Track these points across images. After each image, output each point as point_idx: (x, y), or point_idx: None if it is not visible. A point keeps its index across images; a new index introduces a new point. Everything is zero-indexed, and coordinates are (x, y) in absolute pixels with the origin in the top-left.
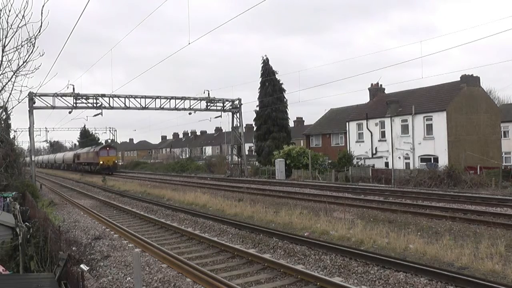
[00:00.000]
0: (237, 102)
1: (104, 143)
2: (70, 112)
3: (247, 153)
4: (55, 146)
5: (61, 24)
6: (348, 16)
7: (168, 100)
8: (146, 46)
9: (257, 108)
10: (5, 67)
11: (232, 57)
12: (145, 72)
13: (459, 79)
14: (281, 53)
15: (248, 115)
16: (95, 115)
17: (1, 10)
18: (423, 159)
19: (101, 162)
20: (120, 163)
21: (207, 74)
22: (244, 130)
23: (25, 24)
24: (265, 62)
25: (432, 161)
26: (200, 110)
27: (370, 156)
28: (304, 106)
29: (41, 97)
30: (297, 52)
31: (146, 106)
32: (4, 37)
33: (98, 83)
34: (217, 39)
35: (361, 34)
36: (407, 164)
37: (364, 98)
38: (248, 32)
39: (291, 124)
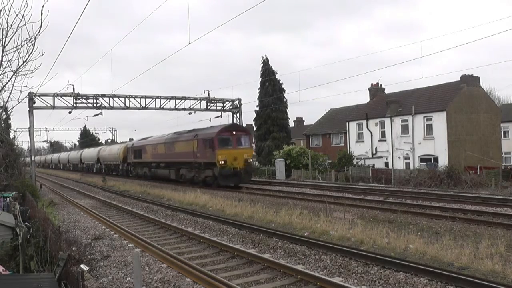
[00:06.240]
0: (237, 102)
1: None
2: (70, 112)
3: None
4: (55, 146)
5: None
6: (330, 13)
7: (168, 100)
8: (128, 45)
9: (257, 108)
10: (5, 67)
11: (215, 56)
12: (131, 72)
13: (459, 79)
14: (264, 51)
15: (247, 115)
16: (95, 115)
17: (1, 10)
18: (423, 159)
19: (221, 162)
20: None
21: (193, 73)
22: None
23: (25, 24)
24: (265, 62)
25: (432, 161)
26: (200, 110)
27: (370, 156)
28: (300, 106)
29: (41, 97)
30: (282, 51)
31: (146, 106)
32: (4, 37)
33: (85, 83)
34: (197, 37)
35: (344, 31)
36: (407, 164)
37: (360, 98)
38: (228, 30)
39: (291, 124)
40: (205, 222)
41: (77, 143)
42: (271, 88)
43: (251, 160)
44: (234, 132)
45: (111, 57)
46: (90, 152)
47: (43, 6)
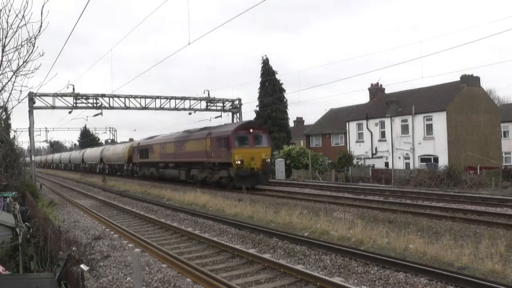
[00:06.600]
0: (237, 102)
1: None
2: (70, 112)
3: None
4: (55, 146)
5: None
6: (330, 13)
7: (168, 100)
8: (128, 45)
9: (257, 108)
10: (5, 67)
11: (215, 56)
12: (131, 72)
13: (459, 79)
14: (264, 51)
15: (247, 115)
16: (95, 115)
17: (1, 10)
18: (423, 159)
19: (238, 162)
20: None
21: (193, 73)
22: None
23: (25, 24)
24: (265, 62)
25: (432, 161)
26: (200, 110)
27: (370, 156)
28: (300, 106)
29: (41, 97)
30: (282, 51)
31: (146, 106)
32: (4, 37)
33: (85, 83)
34: (192, 37)
35: (344, 31)
36: (407, 164)
37: (360, 98)
38: (228, 30)
39: (291, 124)
40: (205, 222)
41: (77, 143)
42: (271, 88)
43: (269, 160)
44: (251, 130)
45: (111, 57)
46: (92, 152)
47: (43, 6)
